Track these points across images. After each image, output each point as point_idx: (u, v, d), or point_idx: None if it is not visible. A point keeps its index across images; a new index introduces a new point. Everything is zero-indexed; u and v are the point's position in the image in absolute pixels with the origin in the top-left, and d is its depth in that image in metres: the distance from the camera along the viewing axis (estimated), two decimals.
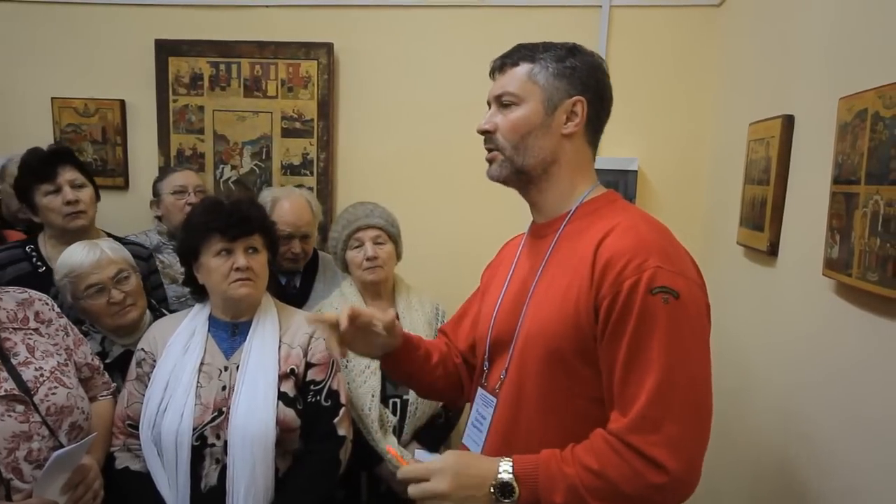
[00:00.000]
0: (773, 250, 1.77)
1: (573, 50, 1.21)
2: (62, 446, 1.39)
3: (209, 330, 1.71)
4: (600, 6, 2.52)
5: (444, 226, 2.66)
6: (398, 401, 1.99)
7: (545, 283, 1.18)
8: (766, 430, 1.76)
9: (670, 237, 1.14)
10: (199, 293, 1.75)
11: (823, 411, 1.48)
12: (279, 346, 1.69)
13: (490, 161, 1.24)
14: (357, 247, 2.03)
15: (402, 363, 1.35)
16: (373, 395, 1.91)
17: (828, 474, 1.43)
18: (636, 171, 2.50)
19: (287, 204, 2.24)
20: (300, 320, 1.78)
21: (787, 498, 1.61)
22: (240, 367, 1.64)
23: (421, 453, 1.96)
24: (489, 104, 1.25)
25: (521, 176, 1.22)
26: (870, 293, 1.26)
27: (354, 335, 1.26)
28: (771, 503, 1.71)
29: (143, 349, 1.71)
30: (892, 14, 1.29)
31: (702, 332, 1.08)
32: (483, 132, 1.24)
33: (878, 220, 1.22)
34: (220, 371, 1.65)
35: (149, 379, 1.66)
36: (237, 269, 1.64)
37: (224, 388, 1.63)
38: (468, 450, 1.26)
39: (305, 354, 1.72)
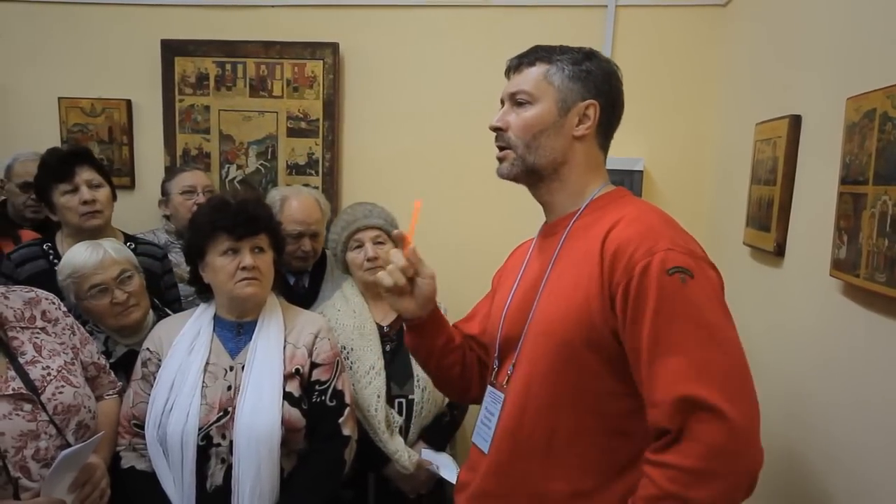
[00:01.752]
0: (779, 251, 1.76)
1: (590, 55, 1.22)
2: (69, 445, 1.39)
3: (214, 329, 1.71)
4: (606, 6, 2.51)
5: (448, 225, 2.66)
6: (403, 401, 1.98)
7: (554, 279, 1.19)
8: (771, 431, 1.75)
9: (677, 225, 1.15)
10: (204, 292, 1.75)
11: (831, 413, 1.48)
12: (284, 346, 1.69)
13: (501, 159, 1.24)
14: (357, 247, 2.03)
15: (431, 333, 1.34)
16: (378, 396, 1.91)
17: (833, 477, 1.43)
18: (642, 172, 2.49)
19: (296, 202, 2.24)
20: (305, 320, 1.78)
21: (792, 501, 1.61)
22: (245, 367, 1.65)
23: (427, 452, 1.98)
24: (502, 102, 1.26)
25: (531, 175, 1.23)
26: (878, 294, 1.25)
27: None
28: None
29: (148, 349, 1.71)
30: None
31: (722, 306, 1.07)
32: (495, 129, 1.24)
33: (887, 221, 1.22)
34: (226, 371, 1.65)
35: (154, 378, 1.66)
36: (243, 269, 1.64)
37: (229, 387, 1.63)
38: (478, 448, 1.26)
39: (310, 354, 1.72)
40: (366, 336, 1.98)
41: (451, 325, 1.41)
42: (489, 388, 1.29)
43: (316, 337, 1.74)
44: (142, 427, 1.64)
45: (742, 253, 2.06)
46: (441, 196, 2.67)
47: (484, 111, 2.58)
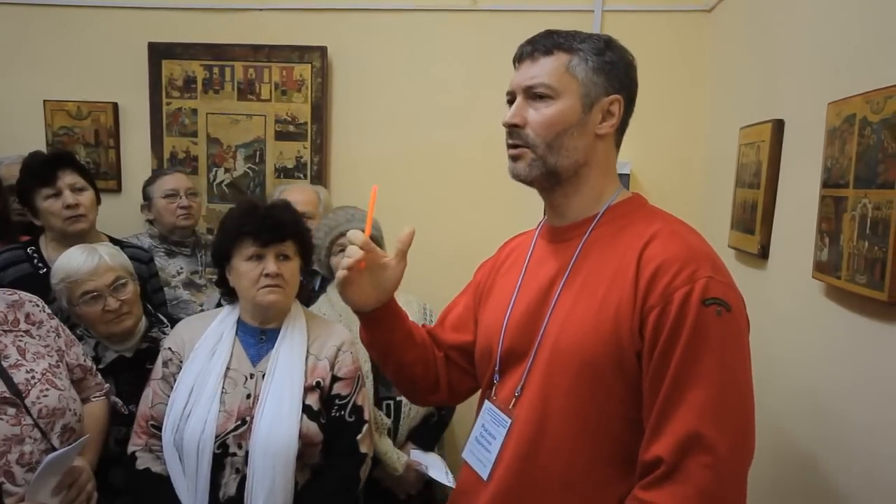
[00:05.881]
0: (763, 253, 1.78)
1: (609, 43, 1.12)
2: (54, 449, 1.38)
3: (237, 334, 1.68)
4: (592, 11, 2.54)
5: (436, 228, 2.66)
6: (391, 402, 1.99)
7: (573, 291, 1.08)
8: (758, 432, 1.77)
9: (708, 243, 1.08)
10: (231, 295, 1.73)
11: (813, 413, 1.49)
12: (306, 357, 1.66)
13: (516, 158, 1.11)
14: (341, 251, 2.02)
15: (387, 327, 1.23)
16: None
17: (812, 476, 1.45)
18: (628, 175, 2.51)
19: (293, 190, 2.40)
20: (329, 332, 1.74)
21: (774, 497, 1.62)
22: (266, 376, 1.61)
23: (416, 453, 1.98)
24: (510, 94, 1.13)
25: (549, 177, 1.10)
26: (858, 295, 1.27)
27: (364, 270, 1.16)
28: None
29: (170, 349, 1.68)
30: (880, 20, 1.31)
31: (748, 349, 1.02)
32: (511, 126, 1.10)
33: (867, 224, 1.24)
34: (246, 378, 1.62)
35: (174, 380, 1.63)
36: (267, 276, 1.61)
37: (249, 396, 1.60)
38: (473, 471, 1.17)
39: (332, 367, 1.68)
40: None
41: (410, 320, 1.30)
42: (488, 405, 1.18)
43: (339, 350, 1.70)
44: (159, 428, 1.61)
45: (727, 255, 2.08)
46: (429, 199, 2.68)
47: (472, 114, 2.62)
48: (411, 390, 1.35)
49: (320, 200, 2.39)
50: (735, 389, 0.97)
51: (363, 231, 1.17)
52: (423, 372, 1.29)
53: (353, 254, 1.14)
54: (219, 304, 2.14)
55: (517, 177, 1.12)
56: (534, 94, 1.09)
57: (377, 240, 2.06)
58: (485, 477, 1.13)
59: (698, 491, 0.93)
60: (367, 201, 2.21)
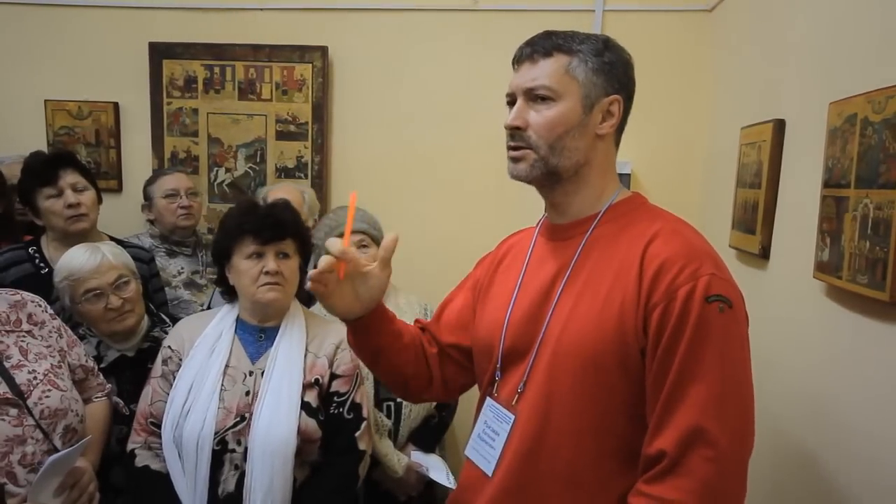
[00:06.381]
0: (764, 253, 1.78)
1: (607, 43, 1.13)
2: (56, 450, 1.38)
3: (236, 332, 1.69)
4: (593, 10, 2.54)
5: (436, 227, 2.67)
6: (392, 404, 1.99)
7: (575, 289, 1.09)
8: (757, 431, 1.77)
9: (709, 243, 1.09)
10: (231, 294, 1.74)
11: (814, 413, 1.49)
12: (305, 355, 1.67)
13: (517, 159, 1.11)
14: None
15: (374, 332, 1.21)
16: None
17: (812, 478, 1.45)
18: (629, 175, 2.51)
19: (277, 188, 2.41)
20: (328, 330, 1.75)
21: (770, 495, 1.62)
22: (265, 373, 1.62)
23: (417, 455, 1.98)
24: (510, 96, 1.14)
25: (550, 177, 1.11)
26: (860, 295, 1.27)
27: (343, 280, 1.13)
28: None
29: (169, 347, 1.69)
30: (881, 20, 1.31)
31: (748, 344, 1.04)
32: (513, 128, 1.11)
33: (868, 224, 1.24)
34: (245, 375, 1.63)
35: (174, 377, 1.64)
36: (266, 273, 1.62)
37: (248, 393, 1.61)
38: (471, 461, 1.19)
39: (331, 365, 1.69)
40: None
41: (398, 320, 1.28)
42: (490, 402, 1.18)
43: (338, 347, 1.71)
44: (158, 426, 1.62)
45: (728, 255, 2.08)
46: (429, 198, 2.68)
47: (472, 114, 2.63)
48: (403, 390, 1.33)
49: (304, 201, 2.39)
50: (736, 384, 0.99)
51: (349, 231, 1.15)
52: (415, 371, 1.28)
53: (323, 264, 1.10)
54: (209, 307, 2.14)
55: (517, 177, 1.13)
56: (535, 97, 1.10)
57: (376, 240, 2.06)
58: (489, 473, 1.13)
59: (701, 484, 0.95)
60: (368, 201, 2.22)
